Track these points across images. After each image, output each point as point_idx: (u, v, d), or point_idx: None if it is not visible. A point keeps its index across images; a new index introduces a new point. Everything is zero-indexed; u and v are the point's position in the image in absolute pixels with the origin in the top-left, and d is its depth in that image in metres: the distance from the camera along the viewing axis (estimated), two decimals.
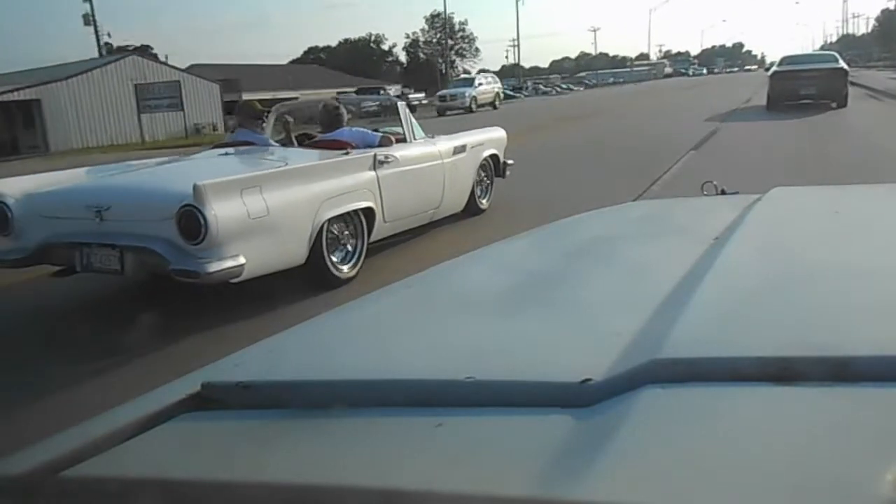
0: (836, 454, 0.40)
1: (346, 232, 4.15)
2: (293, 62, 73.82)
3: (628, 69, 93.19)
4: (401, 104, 5.32)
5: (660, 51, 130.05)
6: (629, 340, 0.56)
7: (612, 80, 79.57)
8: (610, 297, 0.76)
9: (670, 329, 0.55)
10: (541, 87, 56.27)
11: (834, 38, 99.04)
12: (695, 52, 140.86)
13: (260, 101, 6.04)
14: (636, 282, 0.81)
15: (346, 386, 0.56)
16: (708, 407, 0.46)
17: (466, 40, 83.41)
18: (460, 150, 5.53)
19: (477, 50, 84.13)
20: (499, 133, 6.32)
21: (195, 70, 36.11)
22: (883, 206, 1.17)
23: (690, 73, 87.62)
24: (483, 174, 5.94)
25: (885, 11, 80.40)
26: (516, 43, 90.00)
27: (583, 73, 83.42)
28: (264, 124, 5.20)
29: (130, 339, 3.29)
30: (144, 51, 69.74)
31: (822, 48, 70.14)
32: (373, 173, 4.36)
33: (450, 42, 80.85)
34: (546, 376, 0.52)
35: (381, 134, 4.95)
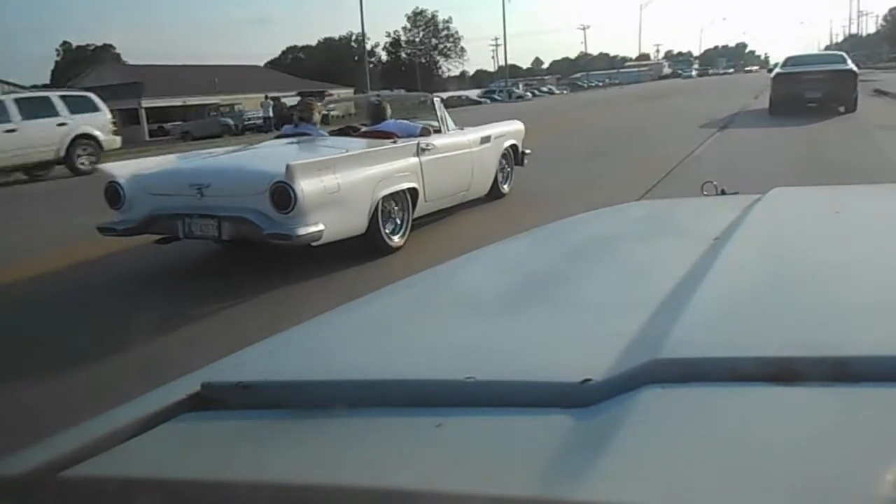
0: (836, 454, 0.40)
1: (396, 208, 4.87)
2: (269, 63, 71.55)
3: (625, 70, 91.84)
4: (437, 100, 6.12)
5: (657, 51, 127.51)
6: (629, 340, 0.56)
7: (606, 80, 77.91)
8: (610, 297, 0.76)
9: (670, 329, 0.55)
10: (514, 90, 54.65)
11: (840, 38, 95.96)
12: (697, 52, 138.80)
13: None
14: (636, 282, 0.81)
15: (346, 386, 0.56)
16: (708, 407, 0.46)
17: (451, 39, 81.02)
18: (486, 140, 6.24)
19: (462, 50, 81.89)
20: (518, 126, 7.04)
21: (127, 71, 35.47)
22: (883, 206, 1.17)
23: (687, 74, 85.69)
24: (504, 162, 6.63)
25: (894, 11, 78.37)
26: (499, 42, 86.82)
27: (578, 74, 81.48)
28: (315, 118, 5.96)
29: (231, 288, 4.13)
30: (106, 50, 68.39)
31: (827, 48, 68.36)
32: (416, 159, 5.09)
33: (433, 41, 78.96)
34: (546, 376, 0.52)
35: (421, 125, 5.63)
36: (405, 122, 5.82)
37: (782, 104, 13.64)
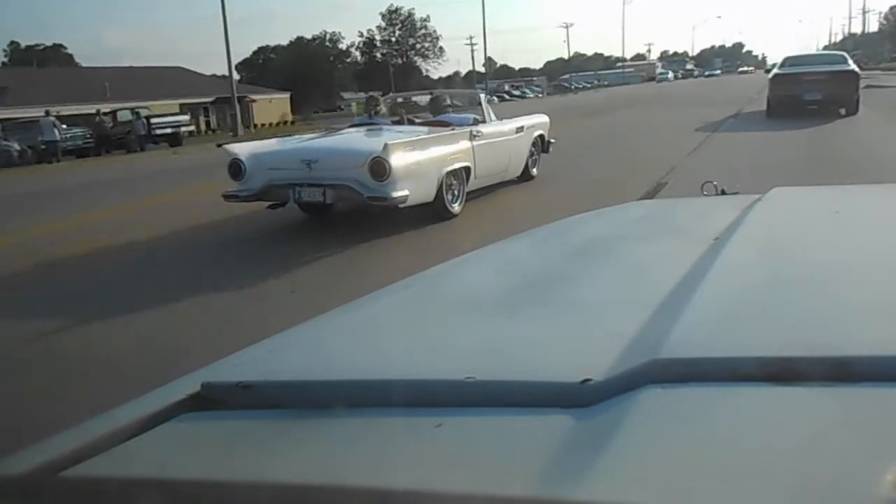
0: (836, 454, 0.40)
1: (455, 182, 6.04)
2: (240, 63, 69.01)
3: (614, 71, 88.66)
4: (483, 96, 7.67)
5: (649, 50, 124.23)
6: (629, 340, 0.56)
7: (595, 82, 76.26)
8: (610, 297, 0.76)
9: (670, 329, 0.55)
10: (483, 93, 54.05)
11: (840, 37, 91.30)
12: (692, 52, 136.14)
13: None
14: (636, 282, 0.81)
15: (346, 386, 0.56)
16: (708, 407, 0.46)
17: (429, 39, 75.69)
18: (520, 129, 7.45)
19: (441, 49, 76.40)
20: (544, 118, 8.29)
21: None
22: (883, 206, 1.17)
23: (663, 76, 77.77)
24: (533, 150, 7.83)
25: (895, 9, 76.55)
26: (475, 42, 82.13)
27: (567, 76, 78.79)
28: (382, 110, 7.40)
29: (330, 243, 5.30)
30: (56, 51, 65.28)
31: (825, 48, 67.14)
32: (469, 144, 6.29)
33: (410, 41, 74.27)
34: (546, 376, 0.52)
35: (472, 117, 6.90)
36: (460, 115, 7.03)
37: (780, 106, 13.20)
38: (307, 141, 6.40)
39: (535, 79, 78.87)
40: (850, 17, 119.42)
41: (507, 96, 55.39)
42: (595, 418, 0.46)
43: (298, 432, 0.50)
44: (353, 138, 6.38)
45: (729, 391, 0.47)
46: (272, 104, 43.63)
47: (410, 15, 75.09)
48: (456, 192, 6.04)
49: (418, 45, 74.92)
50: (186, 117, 26.33)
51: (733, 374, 0.48)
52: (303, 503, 0.40)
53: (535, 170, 7.87)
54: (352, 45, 74.14)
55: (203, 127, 38.13)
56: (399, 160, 5.30)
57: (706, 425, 0.44)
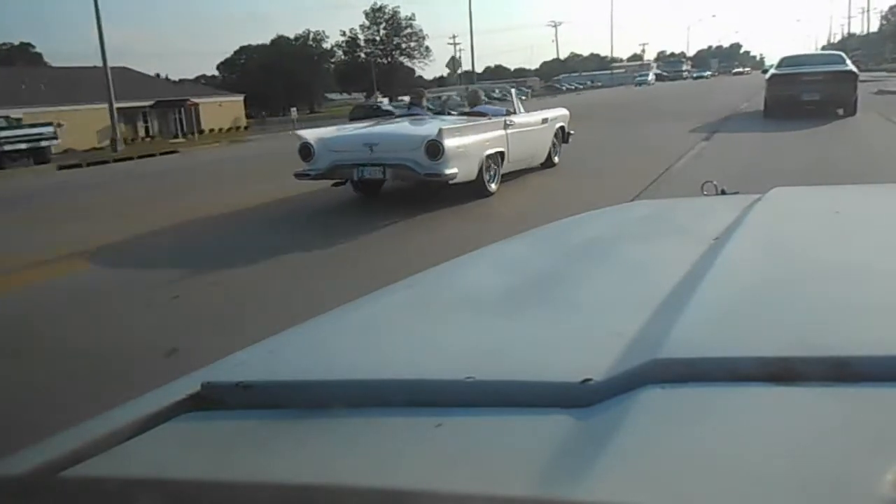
0: (836, 454, 0.40)
1: (492, 165, 7.02)
2: (222, 63, 68.01)
3: (603, 72, 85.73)
4: (513, 90, 8.73)
5: (643, 50, 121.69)
6: (629, 340, 0.56)
7: (588, 83, 74.17)
8: (610, 297, 0.76)
9: (670, 329, 0.55)
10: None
11: (839, 37, 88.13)
12: (687, 52, 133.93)
13: None
14: (636, 282, 0.81)
15: (346, 386, 0.56)
16: (708, 407, 0.46)
17: (415, 38, 71.96)
18: (545, 121, 8.51)
19: (427, 49, 72.76)
20: (565, 112, 9.35)
21: None
22: (883, 206, 1.17)
23: (642, 79, 69.67)
24: (555, 140, 8.81)
25: (895, 8, 73.97)
26: (458, 41, 78.33)
27: (561, 76, 76.58)
28: (424, 103, 8.61)
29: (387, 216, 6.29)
30: (23, 50, 61.83)
31: (823, 48, 66.25)
32: (504, 132, 7.29)
33: (395, 40, 70.84)
34: (546, 376, 0.52)
35: (505, 109, 7.92)
36: (494, 107, 8.07)
37: (777, 107, 13.09)
38: (367, 128, 7.60)
39: (527, 80, 76.68)
40: (849, 17, 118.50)
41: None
42: (595, 418, 0.46)
43: (298, 432, 0.50)
44: (408, 125, 7.54)
45: (729, 391, 0.48)
46: (222, 108, 40.32)
47: (395, 13, 71.88)
48: (493, 174, 7.06)
49: (403, 45, 71.74)
50: (51, 128, 20.80)
51: (733, 374, 0.48)
52: (303, 503, 0.40)
53: (556, 158, 8.87)
54: (336, 45, 71.56)
55: (142, 133, 35.64)
56: (450, 143, 6.31)
57: (706, 425, 0.44)
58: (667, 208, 1.44)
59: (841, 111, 12.69)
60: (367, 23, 72.04)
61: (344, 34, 72.56)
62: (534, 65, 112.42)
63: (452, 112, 8.22)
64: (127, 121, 32.80)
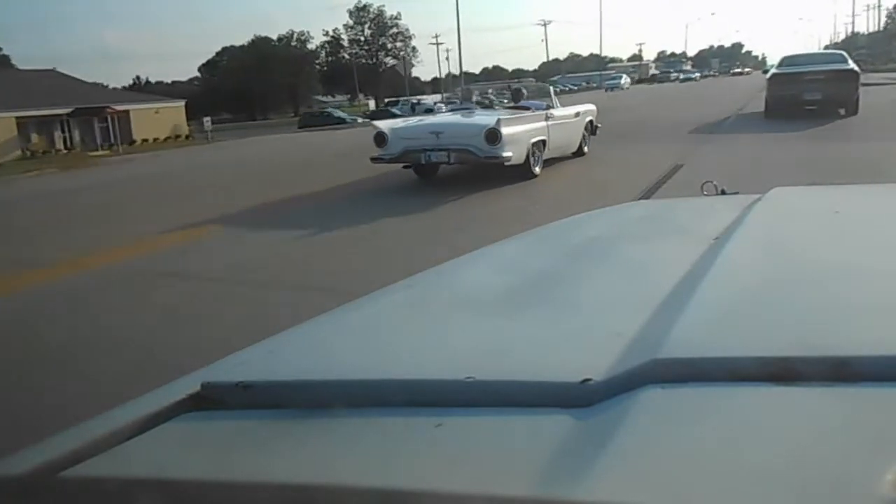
0: (836, 454, 0.40)
1: (537, 151, 8.23)
2: (204, 65, 65.94)
3: (606, 72, 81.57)
4: (551, 88, 10.21)
5: (640, 50, 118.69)
6: (629, 340, 0.56)
7: (584, 84, 71.70)
8: (610, 297, 0.76)
9: (670, 329, 0.55)
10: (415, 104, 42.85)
11: (842, 36, 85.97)
12: (684, 51, 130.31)
13: None
14: (636, 282, 0.81)
15: (346, 386, 0.56)
16: (708, 407, 0.46)
17: (401, 38, 69.23)
18: (577, 115, 9.70)
19: (414, 49, 70.15)
20: (593, 107, 10.45)
21: None
22: (883, 206, 1.17)
23: (614, 83, 59.83)
24: (585, 132, 9.94)
25: None
26: (441, 41, 75.74)
27: (556, 77, 72.89)
28: (474, 98, 10.41)
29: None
30: None
31: (826, 47, 65.06)
32: (545, 123, 8.55)
33: (381, 40, 68.12)
34: (546, 376, 0.52)
35: (546, 103, 9.21)
36: (536, 102, 9.34)
37: (778, 106, 12.95)
38: (431, 119, 9.39)
39: (522, 80, 75.60)
40: (853, 15, 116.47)
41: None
42: (595, 418, 0.46)
43: (298, 432, 0.50)
44: (467, 116, 8.88)
45: (729, 391, 0.47)
46: (159, 116, 36.17)
47: (381, 13, 69.24)
48: (536, 158, 8.25)
49: (389, 45, 69.05)
50: None
51: (733, 374, 0.48)
52: (303, 503, 0.40)
53: (586, 148, 9.99)
54: (321, 47, 69.45)
55: (60, 144, 31.51)
56: (506, 130, 7.59)
57: (706, 425, 0.44)
58: (667, 208, 1.44)
59: (842, 111, 12.59)
60: (350, 22, 70.11)
61: (326, 34, 70.52)
62: (533, 65, 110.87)
63: (498, 106, 9.60)
64: (43, 130, 29.80)
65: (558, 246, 1.12)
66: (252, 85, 56.56)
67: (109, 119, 33.61)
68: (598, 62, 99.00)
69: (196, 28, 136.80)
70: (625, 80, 64.42)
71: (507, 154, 7.59)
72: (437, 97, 51.47)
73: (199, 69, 69.09)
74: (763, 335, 0.55)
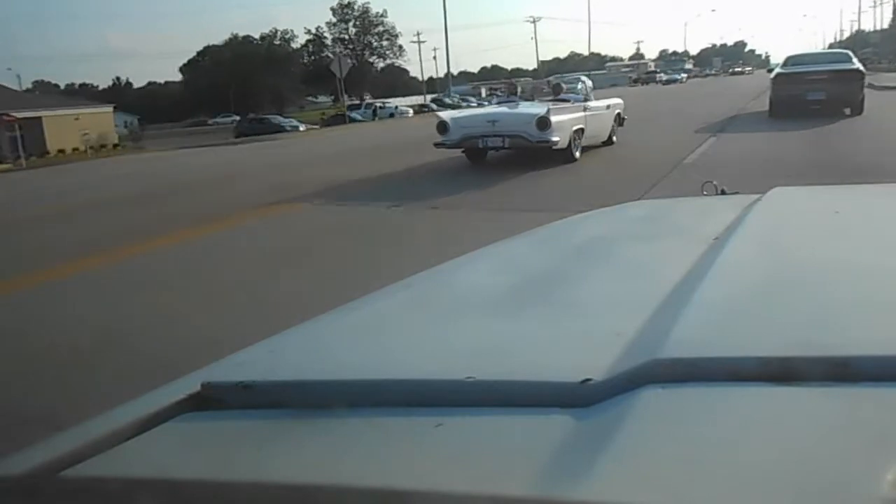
0: (836, 454, 0.40)
1: (577, 138, 9.35)
2: (186, 64, 63.50)
3: (604, 71, 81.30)
4: (588, 82, 11.08)
5: (638, 48, 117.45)
6: (629, 340, 0.56)
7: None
8: (610, 297, 0.76)
9: (670, 329, 0.55)
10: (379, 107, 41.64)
11: (847, 34, 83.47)
12: (683, 50, 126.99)
13: None
14: (636, 282, 0.81)
15: (346, 386, 0.56)
16: (708, 407, 0.46)
17: (386, 36, 65.24)
18: (608, 107, 10.78)
19: (400, 48, 66.30)
20: (621, 101, 11.57)
21: None
22: (883, 206, 1.17)
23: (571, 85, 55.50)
24: (614, 123, 11.00)
25: None
26: (423, 39, 71.73)
27: (551, 77, 74.31)
28: (518, 92, 11.48)
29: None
30: None
31: (830, 46, 63.59)
32: (583, 114, 9.68)
33: (367, 38, 64.40)
34: (546, 376, 0.52)
35: (583, 96, 10.29)
36: (573, 95, 10.43)
37: (783, 106, 12.88)
38: (486, 109, 10.60)
39: (518, 80, 73.32)
40: (859, 12, 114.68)
41: (434, 107, 41.11)
42: (595, 418, 0.46)
43: (298, 432, 0.50)
44: (518, 107, 9.98)
45: (729, 391, 0.47)
46: (80, 123, 31.58)
47: (366, 10, 64.82)
48: (577, 144, 9.35)
49: (375, 44, 65.10)
50: None
51: (733, 374, 0.48)
52: (303, 503, 0.40)
53: (614, 138, 10.98)
54: (302, 45, 65.38)
55: None
56: (554, 118, 8.73)
57: (706, 425, 0.44)
58: (667, 208, 1.44)
59: (848, 110, 12.45)
60: (334, 19, 65.71)
61: (309, 32, 66.37)
62: (532, 64, 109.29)
63: (540, 100, 10.59)
64: None
65: (558, 246, 1.12)
66: (231, 86, 53.88)
67: (18, 127, 28.04)
68: (599, 61, 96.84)
69: (188, 25, 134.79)
70: (585, 84, 60.33)
71: (555, 139, 8.71)
72: (402, 100, 49.31)
73: (181, 69, 66.82)
74: (763, 335, 0.55)
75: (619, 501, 0.37)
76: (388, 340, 0.71)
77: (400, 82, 63.90)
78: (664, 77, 68.63)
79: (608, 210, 1.34)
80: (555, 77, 15.53)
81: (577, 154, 9.40)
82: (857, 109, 12.42)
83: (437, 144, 9.52)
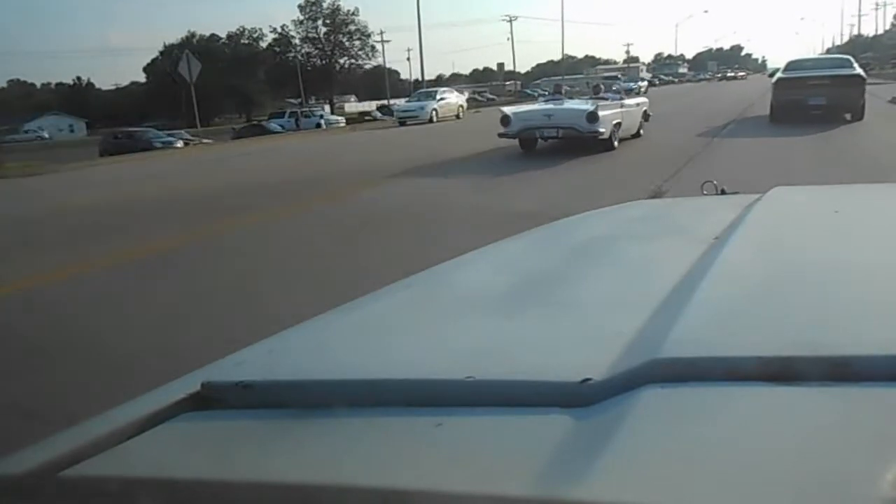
0: (836, 454, 0.40)
1: (615, 130, 10.92)
2: (149, 64, 59.68)
3: (581, 76, 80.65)
4: (623, 84, 17.79)
5: (627, 52, 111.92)
6: (629, 340, 0.56)
7: (568, 88, 69.42)
8: (610, 297, 0.76)
9: (670, 329, 0.55)
10: (313, 113, 39.37)
11: (846, 38, 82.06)
12: (679, 52, 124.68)
13: None
14: (636, 282, 0.81)
15: (346, 386, 0.56)
16: (708, 407, 0.46)
17: (358, 36, 60.59)
18: (638, 104, 12.82)
19: (373, 49, 61.72)
20: (647, 100, 13.94)
21: None
22: (883, 206, 1.17)
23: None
24: (642, 119, 12.79)
25: None
26: (386, 39, 66.15)
27: (539, 81, 68.07)
28: (563, 91, 13.75)
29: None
30: None
31: (828, 50, 63.11)
32: (620, 109, 11.43)
33: (337, 37, 59.66)
34: (546, 376, 0.52)
35: (619, 95, 12.56)
36: (610, 94, 12.56)
37: (784, 111, 12.92)
38: (542, 105, 12.13)
39: (507, 83, 69.70)
40: (859, 16, 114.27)
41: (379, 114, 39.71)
42: (595, 418, 0.46)
43: (298, 432, 0.50)
44: (568, 104, 11.72)
45: (729, 391, 0.47)
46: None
47: (336, 8, 59.82)
48: (616, 136, 10.97)
49: (346, 43, 60.07)
50: None
51: (733, 374, 0.48)
52: (303, 503, 0.40)
53: (641, 131, 12.73)
54: (268, 45, 60.94)
55: None
56: (601, 113, 10.42)
57: (706, 425, 0.44)
58: (667, 208, 1.45)
59: (848, 116, 12.48)
60: (301, 17, 60.68)
61: (274, 30, 61.84)
62: (526, 67, 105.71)
63: (584, 98, 12.66)
64: None
65: (558, 246, 1.12)
66: (189, 87, 52.03)
67: None
68: (594, 64, 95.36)
69: (165, 19, 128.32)
70: (619, 86, 56.94)
71: (601, 130, 10.42)
72: (327, 109, 45.48)
73: (144, 70, 62.96)
74: (763, 335, 0.55)
75: (619, 501, 0.37)
76: (388, 340, 0.71)
77: (385, 84, 59.43)
78: (613, 85, 62.22)
79: (608, 210, 1.34)
80: (594, 79, 17.48)
81: (616, 143, 11.17)
82: (858, 115, 12.45)
83: (500, 135, 11.37)
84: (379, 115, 39.65)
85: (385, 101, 48.98)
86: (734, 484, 0.38)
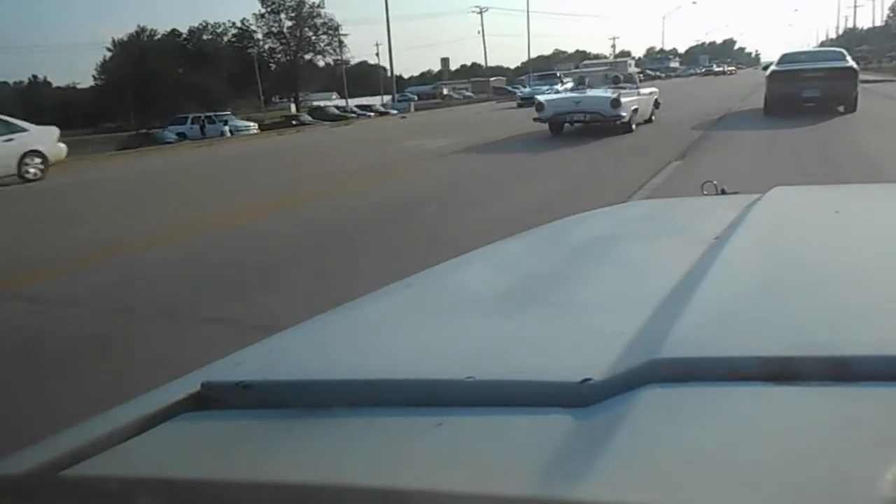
0: (835, 454, 0.40)
1: (634, 115, 12.50)
2: (107, 61, 54.17)
3: (575, 70, 79.89)
4: (638, 74, 17.22)
5: (613, 46, 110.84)
6: (629, 340, 0.56)
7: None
8: (610, 297, 0.76)
9: (670, 329, 0.55)
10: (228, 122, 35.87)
11: (841, 30, 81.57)
12: (667, 46, 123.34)
13: None
14: (636, 282, 0.81)
15: (346, 386, 0.56)
16: (708, 407, 0.46)
17: (325, 29, 56.09)
18: (651, 93, 14.48)
19: (340, 44, 57.18)
20: (657, 89, 15.46)
21: None
22: (883, 206, 1.17)
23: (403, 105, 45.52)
24: (653, 107, 14.46)
25: None
26: (344, 33, 59.10)
27: (523, 77, 63.71)
28: (586, 82, 14.89)
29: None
30: None
31: (822, 44, 63.15)
32: (637, 97, 13.09)
33: (304, 31, 55.49)
34: (546, 376, 0.52)
35: (635, 84, 14.12)
36: (629, 84, 13.98)
37: (778, 104, 13.16)
38: (571, 94, 13.70)
39: (491, 80, 65.94)
40: (855, 7, 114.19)
41: (355, 112, 37.36)
42: (595, 418, 0.46)
43: (299, 432, 0.50)
44: (593, 92, 13.08)
45: (729, 391, 0.48)
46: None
47: (301, 1, 55.38)
48: (634, 120, 12.46)
49: (313, 38, 55.74)
50: None
51: (733, 374, 0.48)
52: (303, 503, 0.40)
53: (653, 118, 14.30)
54: (227, 42, 56.21)
55: None
56: (623, 100, 11.98)
57: (706, 425, 0.44)
58: (667, 208, 1.44)
59: (841, 108, 12.68)
60: (262, 10, 56.18)
61: (233, 25, 57.35)
62: (516, 63, 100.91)
63: (606, 87, 13.74)
64: None
65: (558, 246, 1.12)
66: (144, 87, 45.08)
67: None
68: (584, 59, 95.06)
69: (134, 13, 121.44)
70: (635, 76, 54.24)
71: (623, 114, 11.99)
72: (293, 108, 42.25)
73: (97, 69, 56.77)
74: (763, 335, 0.55)
75: (618, 501, 0.37)
76: (388, 340, 0.71)
77: (371, 80, 56.89)
78: (525, 86, 47.13)
79: (608, 210, 1.34)
80: (612, 71, 18.24)
81: (634, 127, 12.68)
82: (851, 107, 12.65)
83: (535, 119, 13.04)
84: (309, 118, 35.65)
85: (364, 100, 46.71)
86: (734, 484, 0.38)
